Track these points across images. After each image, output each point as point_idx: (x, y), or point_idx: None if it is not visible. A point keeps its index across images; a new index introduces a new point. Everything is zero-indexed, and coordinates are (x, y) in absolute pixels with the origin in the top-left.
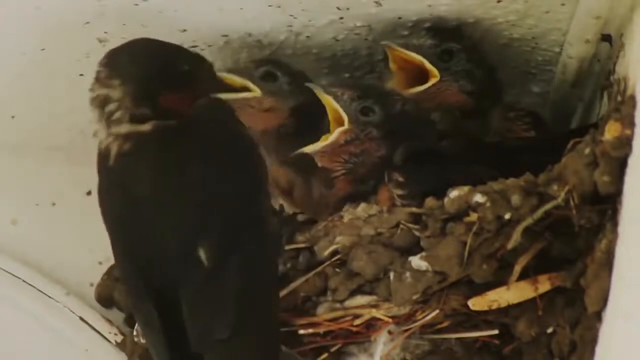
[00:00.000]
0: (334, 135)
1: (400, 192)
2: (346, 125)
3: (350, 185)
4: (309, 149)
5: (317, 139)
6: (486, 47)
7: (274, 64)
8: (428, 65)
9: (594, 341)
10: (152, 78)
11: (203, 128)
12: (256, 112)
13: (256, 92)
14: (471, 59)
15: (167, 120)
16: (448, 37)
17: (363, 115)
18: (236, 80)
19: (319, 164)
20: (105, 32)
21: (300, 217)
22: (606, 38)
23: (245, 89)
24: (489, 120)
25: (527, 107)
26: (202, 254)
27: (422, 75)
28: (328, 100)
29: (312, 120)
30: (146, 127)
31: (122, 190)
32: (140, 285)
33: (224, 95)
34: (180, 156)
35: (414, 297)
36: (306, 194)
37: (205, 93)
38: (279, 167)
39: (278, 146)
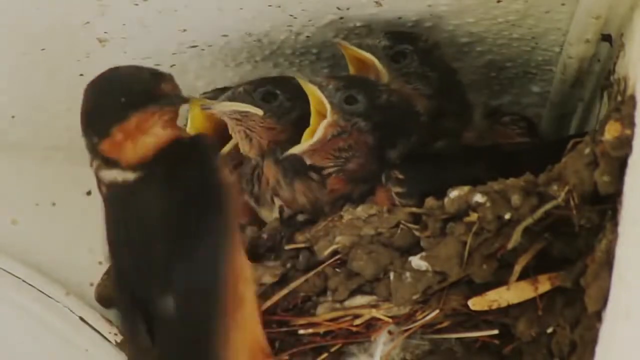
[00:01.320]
0: (320, 130)
1: (399, 189)
2: (329, 117)
3: (345, 186)
4: (296, 149)
5: None
6: (447, 49)
7: (274, 83)
8: (378, 65)
9: (594, 341)
10: (85, 129)
11: (176, 174)
12: (258, 125)
13: (259, 112)
14: (425, 61)
15: (136, 171)
16: (402, 40)
17: (347, 104)
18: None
19: (308, 162)
20: (105, 32)
21: (300, 217)
22: (606, 38)
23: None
24: (469, 118)
25: (520, 112)
26: (163, 302)
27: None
28: (312, 90)
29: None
30: (127, 175)
31: (112, 217)
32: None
33: (225, 106)
34: (154, 203)
35: (414, 297)
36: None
37: (168, 110)
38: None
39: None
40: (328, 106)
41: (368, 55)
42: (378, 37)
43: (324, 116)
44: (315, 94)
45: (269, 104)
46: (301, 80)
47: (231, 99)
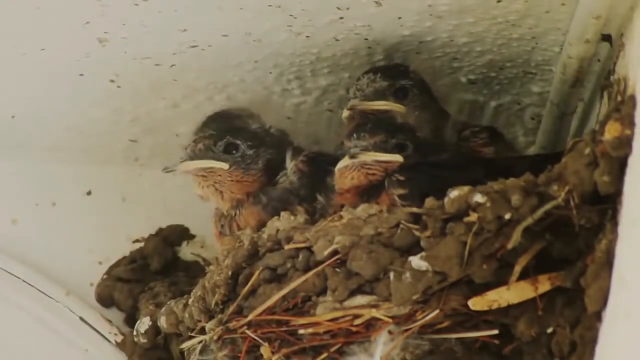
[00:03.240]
0: (395, 158)
1: (401, 191)
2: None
3: (354, 199)
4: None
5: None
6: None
7: (233, 133)
8: (396, 107)
9: (594, 341)
10: None
11: None
12: (226, 180)
13: (224, 166)
14: (422, 90)
15: None
16: (397, 75)
17: (400, 151)
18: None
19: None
20: (105, 32)
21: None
22: (606, 38)
23: None
24: (442, 135)
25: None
26: None
27: None
28: (377, 155)
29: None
30: None
31: None
32: None
33: (189, 165)
34: None
35: (414, 297)
36: None
37: None
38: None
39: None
40: (394, 157)
41: (383, 107)
42: (374, 79)
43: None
44: (386, 158)
45: (232, 156)
46: (355, 156)
47: (192, 157)
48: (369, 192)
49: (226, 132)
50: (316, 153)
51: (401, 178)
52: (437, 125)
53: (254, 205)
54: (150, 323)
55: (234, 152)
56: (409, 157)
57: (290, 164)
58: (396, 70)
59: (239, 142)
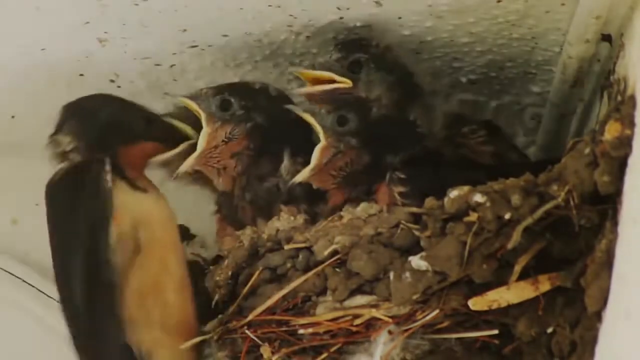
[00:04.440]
0: (316, 155)
1: (402, 189)
2: (323, 141)
3: (343, 194)
4: (298, 178)
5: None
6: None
7: (230, 91)
8: (337, 78)
9: (594, 341)
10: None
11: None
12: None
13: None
14: (380, 67)
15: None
16: (354, 48)
17: (340, 125)
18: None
19: (314, 186)
20: (105, 32)
21: None
22: (606, 38)
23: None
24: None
25: (480, 119)
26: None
27: None
28: (307, 117)
29: (273, 140)
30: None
31: None
32: None
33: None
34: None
35: (414, 297)
36: None
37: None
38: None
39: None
40: (320, 130)
41: (325, 73)
42: (328, 52)
43: None
44: (310, 122)
45: (223, 113)
46: (296, 110)
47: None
48: (354, 180)
49: (225, 89)
50: None
51: (402, 176)
52: (401, 103)
53: (249, 205)
54: None
55: (227, 110)
56: (349, 133)
57: (288, 165)
58: (353, 44)
59: (232, 100)
